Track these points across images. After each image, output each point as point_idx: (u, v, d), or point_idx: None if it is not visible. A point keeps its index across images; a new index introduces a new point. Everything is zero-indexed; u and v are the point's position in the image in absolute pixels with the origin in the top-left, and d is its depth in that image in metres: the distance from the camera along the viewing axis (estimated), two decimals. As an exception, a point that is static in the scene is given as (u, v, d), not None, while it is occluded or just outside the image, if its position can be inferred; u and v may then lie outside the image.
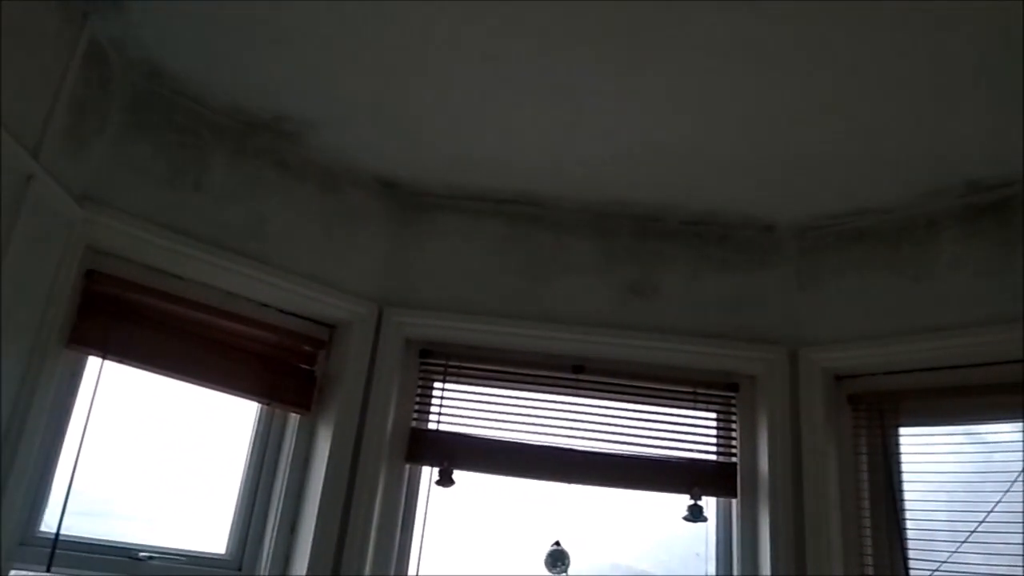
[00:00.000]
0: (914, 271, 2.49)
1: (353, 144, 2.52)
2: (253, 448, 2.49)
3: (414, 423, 2.64)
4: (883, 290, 2.53)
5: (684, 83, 2.07)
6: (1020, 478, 2.23)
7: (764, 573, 2.43)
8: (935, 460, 2.41)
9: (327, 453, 2.43)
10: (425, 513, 2.55)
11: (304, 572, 2.30)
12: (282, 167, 2.52)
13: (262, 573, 2.37)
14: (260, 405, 2.51)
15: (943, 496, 2.36)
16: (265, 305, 2.52)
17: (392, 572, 2.48)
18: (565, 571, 2.47)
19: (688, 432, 2.65)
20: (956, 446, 2.40)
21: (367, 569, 2.40)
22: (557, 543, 2.51)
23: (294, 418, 2.54)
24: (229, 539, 2.40)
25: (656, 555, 2.63)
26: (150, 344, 2.27)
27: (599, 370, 2.69)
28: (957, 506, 2.31)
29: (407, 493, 2.59)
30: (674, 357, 2.66)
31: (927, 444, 2.44)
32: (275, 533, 2.40)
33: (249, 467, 2.47)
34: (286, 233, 2.48)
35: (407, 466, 2.60)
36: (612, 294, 2.69)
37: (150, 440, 2.37)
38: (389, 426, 2.56)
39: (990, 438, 2.36)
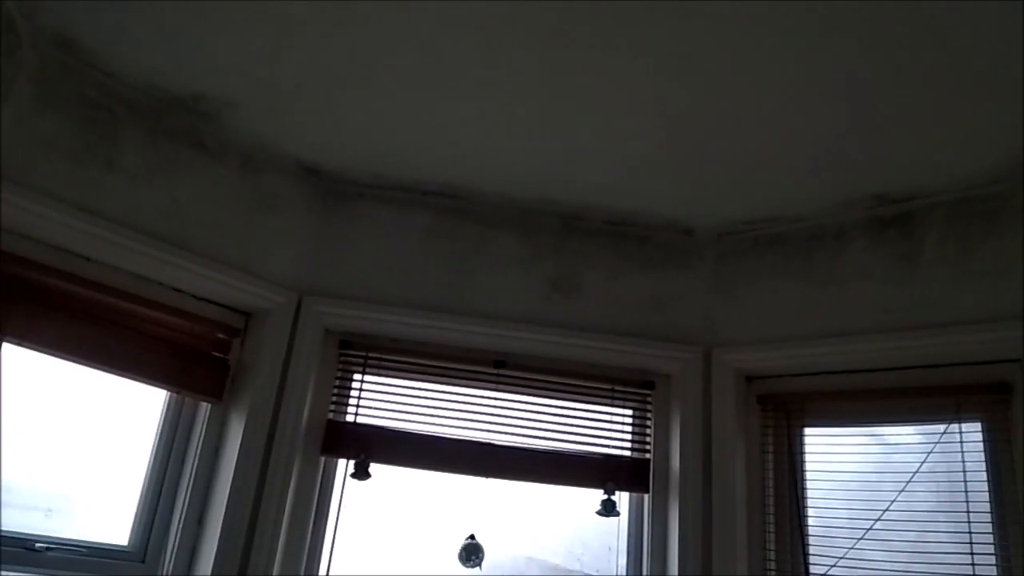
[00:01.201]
0: (823, 278, 2.59)
1: (275, 128, 2.46)
2: (160, 437, 2.40)
3: (331, 415, 2.59)
4: (794, 295, 2.62)
5: (613, 86, 2.09)
6: (915, 478, 2.35)
7: (672, 565, 2.49)
8: (837, 460, 2.51)
9: (238, 444, 2.37)
10: (339, 506, 2.52)
11: (211, 565, 2.24)
12: (199, 148, 2.44)
13: (166, 565, 2.30)
14: (169, 393, 2.43)
15: (844, 494, 2.46)
16: (177, 290, 2.43)
17: (303, 565, 2.44)
18: (478, 565, 2.48)
19: (604, 428, 2.69)
20: (857, 446, 2.50)
21: (276, 562, 2.35)
22: (471, 537, 2.51)
23: (205, 407, 2.47)
24: (132, 530, 2.31)
25: (570, 548, 2.67)
26: (53, 327, 2.16)
27: (520, 365, 2.70)
28: (857, 504, 2.41)
29: (321, 486, 2.54)
30: (594, 354, 2.69)
31: (830, 444, 2.54)
32: (181, 525, 2.33)
33: (156, 456, 2.39)
34: (202, 216, 2.41)
35: (322, 459, 2.56)
36: (535, 290, 2.71)
37: (51, 427, 2.27)
38: (305, 417, 2.52)
39: (889, 439, 2.47)
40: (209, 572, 2.23)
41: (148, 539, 2.31)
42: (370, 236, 2.71)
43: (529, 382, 2.70)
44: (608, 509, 2.56)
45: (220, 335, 2.52)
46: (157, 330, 2.37)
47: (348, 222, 2.71)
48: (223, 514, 2.29)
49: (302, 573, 2.43)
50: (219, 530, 2.28)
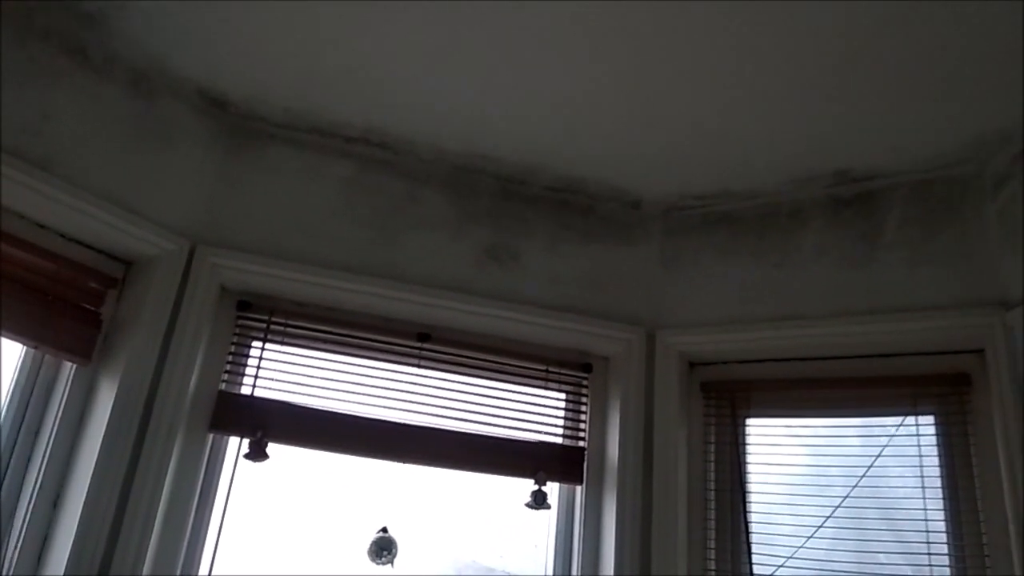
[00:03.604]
0: (775, 259, 2.42)
1: (174, 44, 2.08)
2: (11, 400, 1.97)
3: (224, 385, 2.22)
4: (744, 276, 2.44)
5: (563, 32, 1.88)
6: (869, 473, 2.19)
7: (607, 564, 2.25)
8: (785, 453, 2.33)
9: (108, 413, 1.97)
10: (228, 492, 2.15)
11: (65, 555, 1.84)
12: (80, 57, 2.04)
13: (10, 555, 1.88)
14: (25, 348, 2.00)
15: (791, 489, 2.28)
16: (41, 226, 2.02)
17: (181, 559, 2.07)
18: (391, 562, 2.16)
19: (536, 413, 2.43)
20: (807, 439, 2.33)
21: (148, 555, 1.96)
22: (384, 530, 2.19)
23: (69, 367, 2.05)
24: (-34, 514, 1.89)
25: (491, 544, 2.38)
26: None
27: (446, 340, 2.41)
28: (805, 500, 2.23)
29: (207, 467, 2.17)
30: (528, 331, 2.43)
31: (778, 436, 2.36)
32: (31, 507, 1.91)
33: (5, 423, 1.94)
34: (76, 138, 2.00)
35: (210, 435, 2.18)
36: (466, 257, 2.42)
37: None
38: (191, 386, 2.14)
39: (841, 432, 2.30)
40: (64, 561, 1.83)
41: (-14, 523, 1.89)
42: (280, 183, 2.35)
43: (455, 359, 2.41)
44: (539, 501, 2.29)
45: (92, 284, 2.11)
46: (15, 271, 1.95)
47: (255, 165, 2.35)
48: (84, 496, 1.89)
49: (179, 568, 2.05)
50: (78, 515, 1.88)
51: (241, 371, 2.27)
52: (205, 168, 2.28)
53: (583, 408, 2.48)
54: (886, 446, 2.20)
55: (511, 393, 2.43)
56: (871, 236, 2.31)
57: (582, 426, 2.46)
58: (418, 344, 2.38)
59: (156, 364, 2.08)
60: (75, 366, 2.04)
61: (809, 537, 2.18)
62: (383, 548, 2.16)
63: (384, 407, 2.30)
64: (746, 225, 2.50)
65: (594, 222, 2.57)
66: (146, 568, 1.96)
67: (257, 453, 2.14)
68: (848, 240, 2.33)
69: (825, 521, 2.18)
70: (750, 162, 2.35)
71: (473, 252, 2.44)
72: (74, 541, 1.86)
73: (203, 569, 2.09)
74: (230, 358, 2.26)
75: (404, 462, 2.26)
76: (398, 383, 2.34)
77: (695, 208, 2.58)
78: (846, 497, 2.18)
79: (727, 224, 2.53)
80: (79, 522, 1.87)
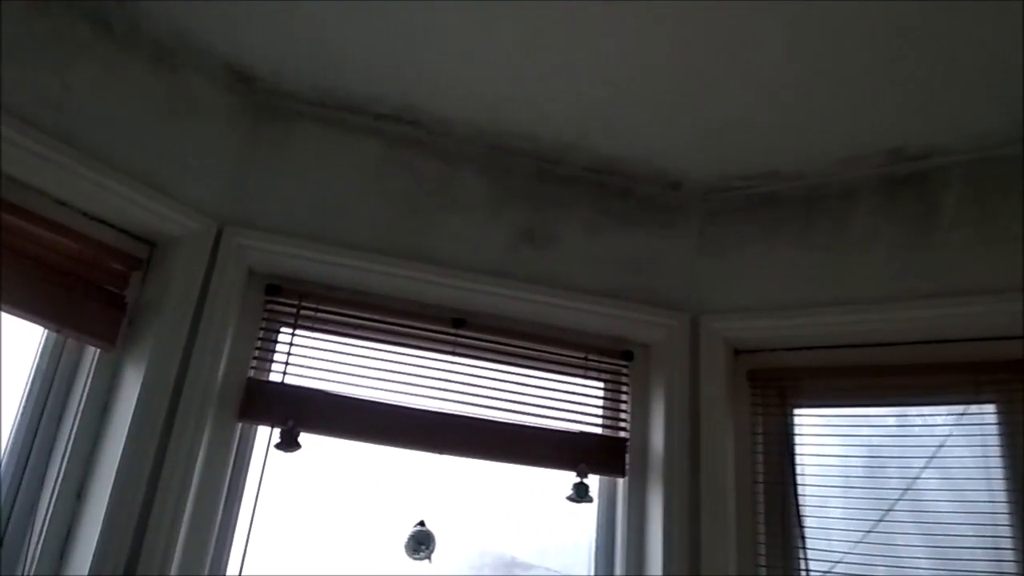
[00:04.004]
0: (825, 241, 2.32)
1: (200, 17, 1.98)
2: (33, 386, 1.87)
3: (252, 372, 2.12)
4: (791, 260, 2.34)
5: (611, 6, 1.79)
6: (929, 465, 2.09)
7: (653, 563, 2.14)
8: (836, 444, 2.23)
9: (134, 401, 1.87)
10: (259, 483, 2.05)
11: (92, 549, 1.74)
12: (103, 27, 1.94)
13: (31, 550, 1.78)
14: (47, 331, 1.90)
15: (845, 481, 2.17)
16: (63, 203, 1.92)
17: (210, 551, 1.97)
18: (428, 556, 2.06)
19: (576, 403, 2.32)
20: (859, 430, 2.22)
21: (178, 548, 1.87)
22: (421, 523, 2.09)
23: (92, 352, 1.95)
24: (-12, 505, 1.79)
25: (531, 540, 2.28)
26: None
27: (482, 326, 2.30)
28: (860, 495, 2.13)
29: (236, 457, 2.07)
30: (566, 316, 2.33)
31: (831, 427, 2.26)
32: (54, 499, 1.81)
33: (25, 411, 1.85)
34: (100, 111, 1.90)
35: (239, 424, 2.08)
36: (503, 239, 2.32)
37: None
38: (220, 374, 2.04)
39: (898, 423, 2.20)
40: (89, 557, 1.74)
41: (9, 515, 1.79)
42: (309, 162, 2.25)
43: (491, 345, 2.31)
44: (581, 494, 2.19)
45: (116, 265, 2.01)
46: (35, 250, 1.85)
47: (284, 143, 2.25)
48: (111, 487, 1.79)
49: (209, 562, 1.96)
50: (104, 506, 1.78)
51: (270, 357, 2.17)
52: (231, 146, 2.18)
53: (623, 397, 2.37)
54: (947, 436, 2.10)
55: (548, 381, 2.32)
56: (927, 217, 2.20)
57: (623, 416, 2.35)
58: (453, 330, 2.28)
59: (183, 349, 1.98)
60: (99, 351, 1.95)
61: (866, 532, 2.08)
62: (420, 542, 2.06)
63: (418, 395, 2.20)
64: (793, 207, 2.39)
65: (633, 204, 2.47)
66: (175, 564, 1.86)
67: (289, 443, 2.04)
68: (903, 221, 2.23)
69: (883, 516, 2.08)
70: (798, 141, 2.25)
71: (509, 235, 2.34)
72: (99, 536, 1.76)
73: (234, 563, 1.99)
74: (259, 344, 2.16)
75: (440, 453, 2.15)
76: (432, 370, 2.24)
77: (739, 190, 2.47)
78: (905, 491, 2.08)
79: (773, 206, 2.42)
80: (104, 516, 1.78)
